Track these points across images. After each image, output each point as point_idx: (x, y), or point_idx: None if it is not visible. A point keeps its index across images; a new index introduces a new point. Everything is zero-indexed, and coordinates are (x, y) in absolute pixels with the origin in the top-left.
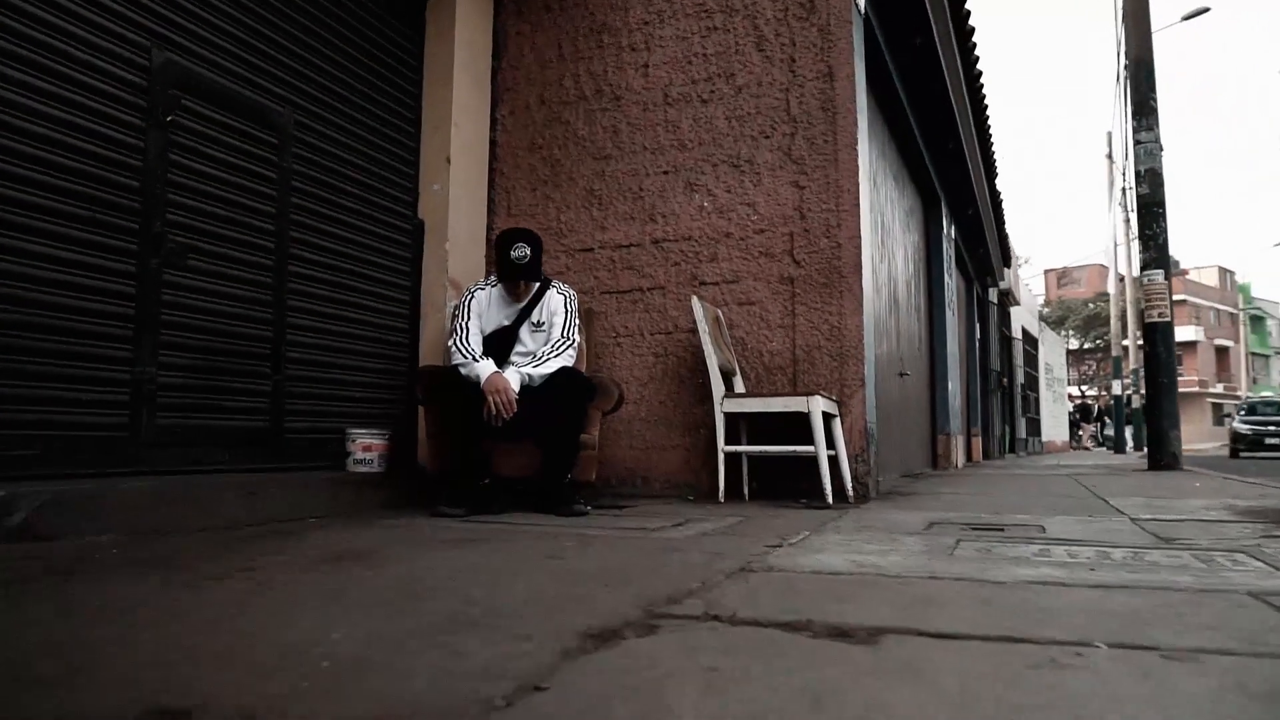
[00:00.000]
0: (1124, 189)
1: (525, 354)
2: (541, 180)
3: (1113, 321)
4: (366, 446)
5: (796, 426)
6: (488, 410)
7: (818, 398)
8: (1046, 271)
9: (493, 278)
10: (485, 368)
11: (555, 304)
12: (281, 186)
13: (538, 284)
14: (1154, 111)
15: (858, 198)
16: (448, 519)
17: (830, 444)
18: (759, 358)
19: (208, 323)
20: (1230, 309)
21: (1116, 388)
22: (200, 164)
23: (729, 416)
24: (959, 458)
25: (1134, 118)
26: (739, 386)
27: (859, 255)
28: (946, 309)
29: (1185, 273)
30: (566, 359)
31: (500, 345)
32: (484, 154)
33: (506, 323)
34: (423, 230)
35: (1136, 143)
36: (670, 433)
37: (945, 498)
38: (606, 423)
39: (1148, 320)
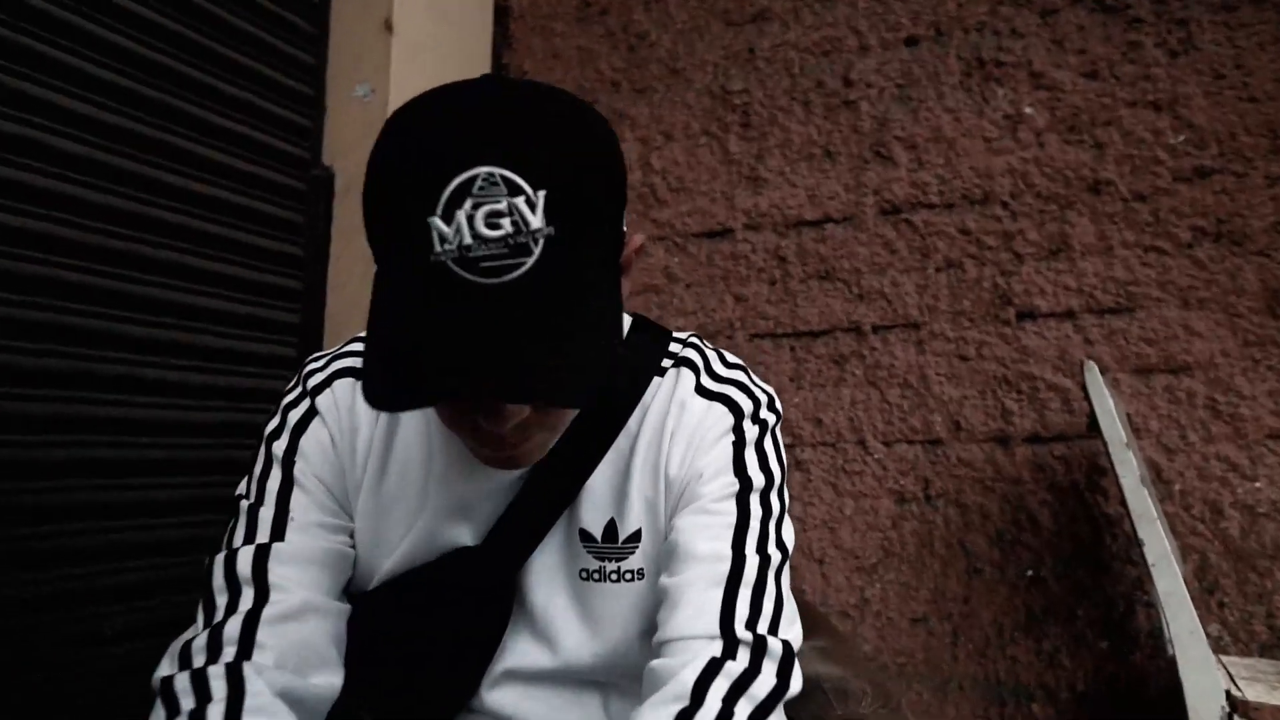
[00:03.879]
0: None
1: (552, 676)
2: (606, 80)
3: None
4: None
5: None
6: None
7: None
8: None
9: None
10: None
11: (703, 450)
12: None
13: (580, 397)
14: None
15: None
16: None
17: None
18: (1208, 521)
19: None
20: None
21: None
22: None
23: None
24: None
25: None
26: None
27: None
28: None
29: None
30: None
31: (433, 641)
32: (481, 26)
33: (467, 540)
34: (331, 188)
35: None
36: (945, 700)
37: None
38: None
39: None
